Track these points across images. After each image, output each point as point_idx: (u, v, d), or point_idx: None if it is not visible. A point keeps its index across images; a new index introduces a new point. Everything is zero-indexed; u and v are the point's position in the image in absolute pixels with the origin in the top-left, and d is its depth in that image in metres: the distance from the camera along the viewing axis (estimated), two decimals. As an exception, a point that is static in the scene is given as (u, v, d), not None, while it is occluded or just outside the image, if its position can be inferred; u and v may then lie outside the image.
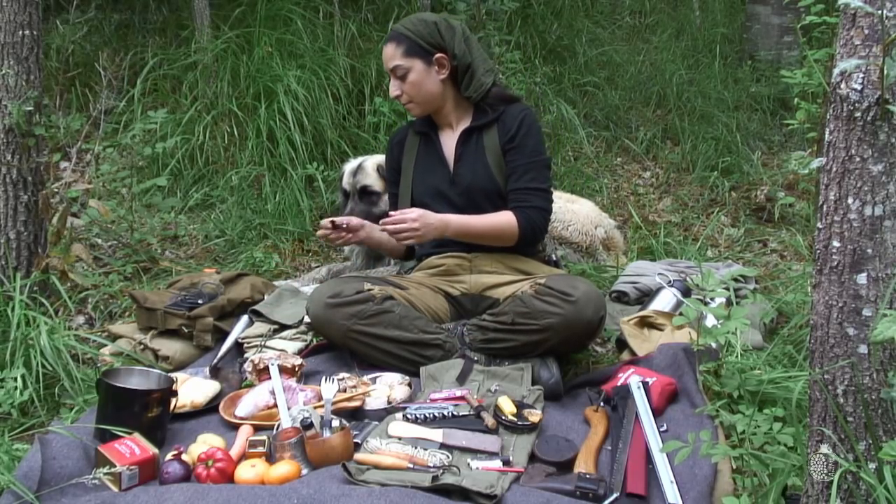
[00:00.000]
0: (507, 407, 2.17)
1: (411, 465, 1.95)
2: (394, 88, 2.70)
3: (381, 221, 2.52)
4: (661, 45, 5.74)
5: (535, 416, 2.15)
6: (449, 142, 2.76)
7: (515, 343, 2.43)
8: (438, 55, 2.65)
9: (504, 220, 2.60)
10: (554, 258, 2.81)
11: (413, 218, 2.49)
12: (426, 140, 2.79)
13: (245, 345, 2.65)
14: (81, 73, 4.65)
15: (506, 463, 1.99)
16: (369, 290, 2.52)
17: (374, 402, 2.29)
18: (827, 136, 1.51)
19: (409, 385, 2.38)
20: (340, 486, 1.85)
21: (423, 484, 1.85)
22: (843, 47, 1.46)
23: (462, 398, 2.23)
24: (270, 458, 2.03)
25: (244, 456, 2.05)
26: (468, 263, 2.68)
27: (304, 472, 1.99)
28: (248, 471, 1.96)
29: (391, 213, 2.54)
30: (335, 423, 2.11)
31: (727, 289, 2.57)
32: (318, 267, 3.43)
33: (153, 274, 3.35)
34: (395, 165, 2.86)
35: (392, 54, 2.66)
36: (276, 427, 2.15)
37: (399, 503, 1.76)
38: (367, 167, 3.21)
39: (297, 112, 4.04)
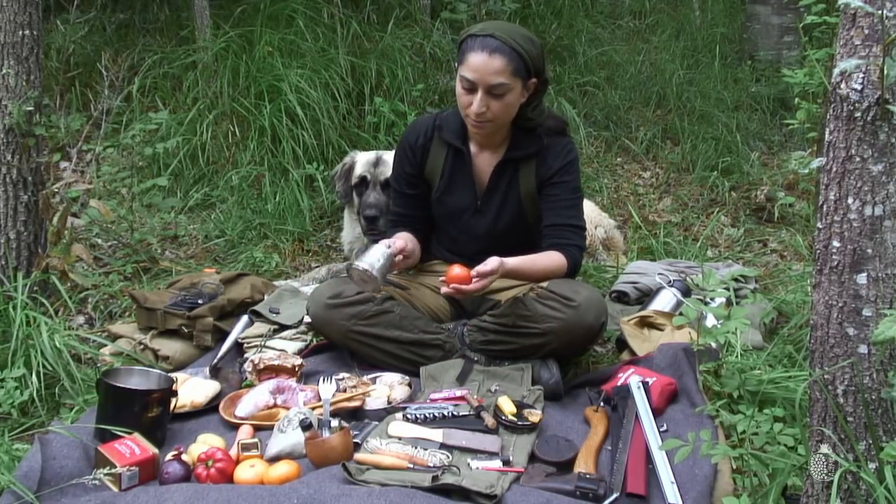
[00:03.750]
0: (507, 407, 2.17)
1: (411, 465, 1.95)
2: (480, 104, 2.38)
3: (452, 285, 2.31)
4: (661, 46, 5.74)
5: (535, 416, 2.15)
6: (483, 165, 2.58)
7: (515, 346, 2.43)
8: (533, 80, 2.44)
9: (556, 263, 2.47)
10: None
11: (493, 268, 2.31)
12: (456, 154, 2.59)
13: (245, 345, 2.65)
14: (82, 73, 4.65)
15: (506, 463, 1.99)
16: (369, 291, 2.52)
17: (374, 402, 2.29)
18: (827, 136, 1.51)
19: (409, 385, 2.39)
20: (340, 486, 1.85)
21: (423, 484, 1.86)
22: (843, 47, 1.47)
23: (462, 398, 2.23)
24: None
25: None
26: None
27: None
28: (247, 471, 1.96)
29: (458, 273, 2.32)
30: (334, 423, 2.11)
31: (727, 289, 2.57)
32: (318, 267, 3.43)
33: (153, 274, 3.35)
34: (412, 170, 2.64)
35: (500, 69, 2.35)
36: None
37: (399, 503, 1.76)
38: (389, 161, 3.20)
39: (299, 112, 4.04)
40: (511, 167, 2.56)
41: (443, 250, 2.75)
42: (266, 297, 2.88)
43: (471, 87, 2.39)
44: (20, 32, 2.68)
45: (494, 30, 2.39)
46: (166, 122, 4.04)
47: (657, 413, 2.19)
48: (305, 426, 2.04)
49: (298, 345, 2.66)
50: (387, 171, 3.14)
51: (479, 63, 2.36)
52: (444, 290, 2.35)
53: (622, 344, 2.69)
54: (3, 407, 2.31)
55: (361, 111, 4.35)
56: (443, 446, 2.04)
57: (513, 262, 2.39)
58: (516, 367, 2.42)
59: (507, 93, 2.38)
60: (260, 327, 2.71)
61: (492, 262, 2.32)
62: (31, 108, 2.71)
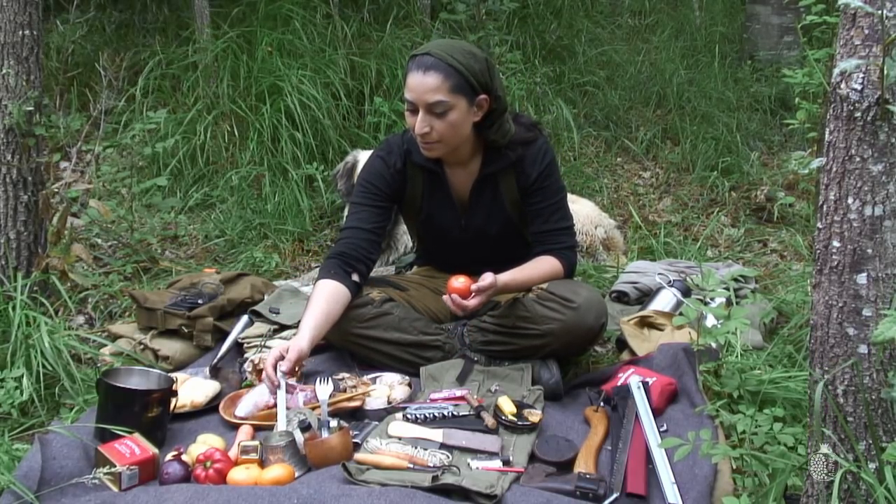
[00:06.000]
0: (507, 407, 2.16)
1: (411, 465, 1.95)
2: (422, 124, 2.34)
3: (457, 300, 2.31)
4: (661, 45, 5.74)
5: (535, 416, 2.15)
6: (459, 182, 2.55)
7: (515, 346, 2.43)
8: (482, 97, 2.37)
9: (551, 269, 2.46)
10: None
11: (490, 283, 2.31)
12: (432, 175, 2.55)
13: (245, 345, 2.65)
14: (81, 73, 4.65)
15: (506, 463, 1.99)
16: (368, 293, 2.52)
17: (374, 402, 2.29)
18: (827, 136, 1.51)
19: (409, 385, 2.38)
20: (340, 486, 1.85)
21: (423, 484, 1.85)
22: (843, 47, 1.47)
23: (462, 398, 2.23)
24: (263, 463, 2.02)
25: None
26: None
27: (297, 474, 1.97)
28: (241, 473, 1.95)
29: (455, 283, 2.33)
30: (333, 423, 2.11)
31: (727, 289, 2.57)
32: (318, 267, 3.43)
33: (153, 274, 3.35)
34: (389, 190, 2.55)
35: (435, 87, 2.30)
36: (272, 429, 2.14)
37: (399, 503, 1.76)
38: None
39: (299, 112, 4.04)
40: (490, 182, 2.53)
41: (437, 262, 2.76)
42: (266, 297, 2.88)
43: (413, 108, 2.36)
44: (20, 32, 2.68)
45: (432, 48, 2.36)
46: (165, 121, 4.04)
47: (657, 413, 2.19)
48: (304, 427, 2.04)
49: (298, 345, 2.66)
50: None
51: (416, 82, 2.32)
52: (445, 298, 2.36)
53: (622, 344, 2.69)
54: (3, 407, 2.31)
55: (361, 111, 4.36)
56: (443, 446, 2.03)
57: (506, 277, 2.38)
58: (516, 367, 2.42)
59: (449, 111, 2.33)
60: (260, 327, 2.71)
61: (488, 278, 2.32)
62: (31, 108, 2.71)
